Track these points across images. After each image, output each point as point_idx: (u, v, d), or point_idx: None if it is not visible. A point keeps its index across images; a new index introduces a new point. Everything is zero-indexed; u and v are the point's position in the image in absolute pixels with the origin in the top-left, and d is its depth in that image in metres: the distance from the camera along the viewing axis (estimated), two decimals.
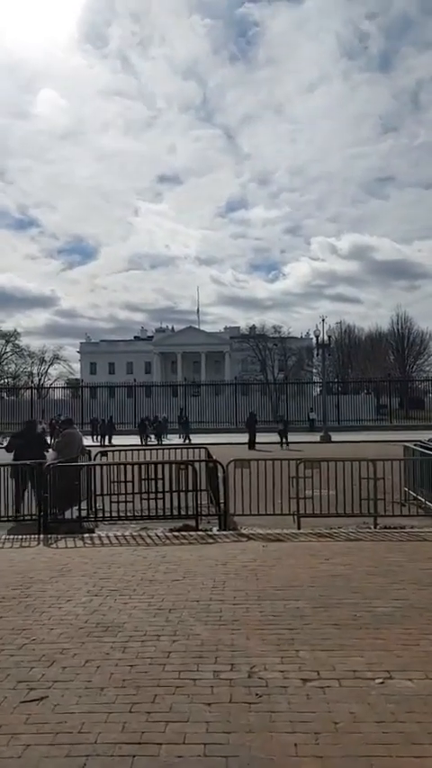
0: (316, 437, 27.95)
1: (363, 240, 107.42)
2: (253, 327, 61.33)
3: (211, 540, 7.23)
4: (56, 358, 66.84)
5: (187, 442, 27.30)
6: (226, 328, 77.87)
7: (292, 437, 25.39)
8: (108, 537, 7.61)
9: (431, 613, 4.33)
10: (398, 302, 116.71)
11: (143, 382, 52.88)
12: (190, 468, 8.45)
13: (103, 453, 10.58)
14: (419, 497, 9.06)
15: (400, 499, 9.40)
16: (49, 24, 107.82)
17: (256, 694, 3.11)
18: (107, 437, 29.28)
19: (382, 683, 3.18)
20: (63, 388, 54.19)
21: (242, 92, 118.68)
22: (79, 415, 39.65)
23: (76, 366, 75.38)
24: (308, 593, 4.92)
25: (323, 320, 30.21)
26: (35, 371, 64.79)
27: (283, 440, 24.58)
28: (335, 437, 27.57)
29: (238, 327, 70.98)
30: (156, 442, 28.19)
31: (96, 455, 10.50)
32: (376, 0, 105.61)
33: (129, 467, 9.14)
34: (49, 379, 63.08)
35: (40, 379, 63.85)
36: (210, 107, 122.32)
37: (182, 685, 3.26)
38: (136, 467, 9.15)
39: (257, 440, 24.34)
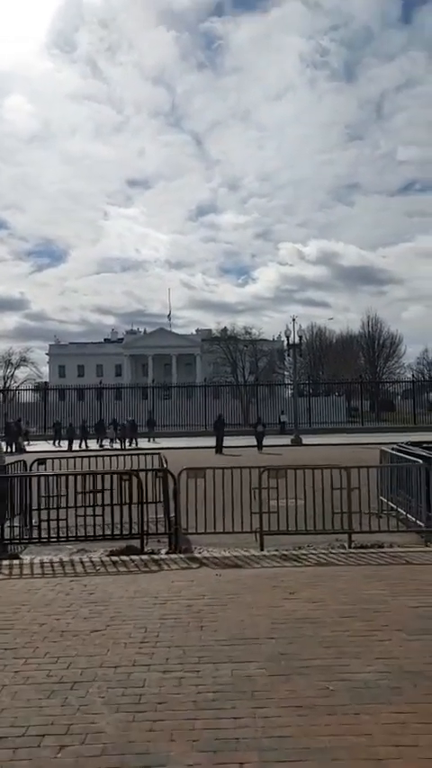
0: (287, 440, 26.96)
1: (329, 246, 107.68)
2: (224, 329, 60.23)
3: (155, 568, 5.97)
4: (23, 360, 64.17)
5: (132, 446, 25.90)
6: (197, 331, 76.62)
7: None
8: (32, 564, 6.27)
9: (430, 683, 3.19)
10: (366, 307, 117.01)
11: (111, 384, 51.10)
12: (134, 478, 7.18)
13: (41, 462, 9.20)
14: (399, 509, 8.01)
15: (377, 510, 8.36)
16: (17, 29, 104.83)
17: None
18: (80, 442, 27.57)
19: None
20: (28, 390, 51.87)
21: (210, 98, 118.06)
22: (41, 418, 37.83)
23: (45, 369, 72.82)
24: (265, 649, 3.72)
25: (294, 320, 29.31)
26: (0, 374, 62.00)
27: (260, 443, 23.45)
28: (306, 440, 26.64)
29: (210, 330, 69.83)
30: (119, 447, 26.71)
31: (33, 464, 9.11)
32: (338, 13, 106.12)
33: (68, 477, 7.83)
34: (15, 382, 60.47)
35: (5, 382, 61.14)
36: (179, 113, 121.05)
37: None
38: (77, 477, 7.85)
39: (227, 443, 23.19)
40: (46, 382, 61.17)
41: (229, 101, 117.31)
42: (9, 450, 25.38)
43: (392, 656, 3.53)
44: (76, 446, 26.48)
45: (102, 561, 6.34)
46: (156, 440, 29.82)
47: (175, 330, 76.82)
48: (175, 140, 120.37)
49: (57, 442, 29.04)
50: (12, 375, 61.58)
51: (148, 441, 29.24)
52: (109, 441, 28.97)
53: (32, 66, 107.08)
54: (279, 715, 2.88)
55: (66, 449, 25.03)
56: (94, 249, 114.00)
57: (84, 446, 26.77)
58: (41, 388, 49.93)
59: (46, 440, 30.64)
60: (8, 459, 9.87)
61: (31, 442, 28.07)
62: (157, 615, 4.44)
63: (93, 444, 27.51)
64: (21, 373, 61.63)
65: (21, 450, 24.78)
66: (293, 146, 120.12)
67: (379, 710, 2.90)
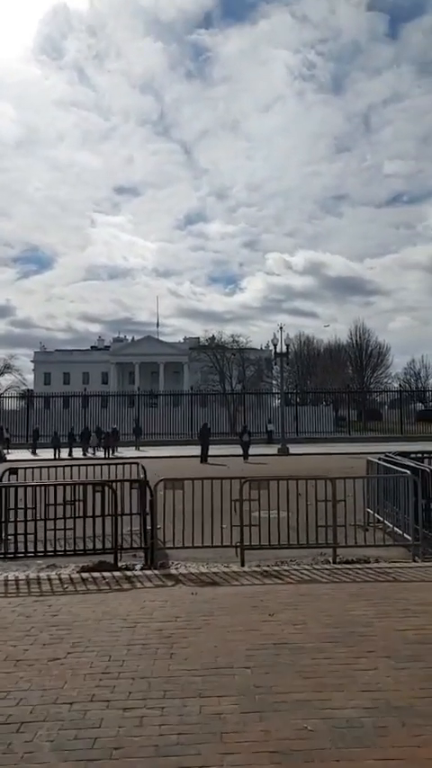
0: (274, 449, 26.67)
1: (316, 257, 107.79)
2: (212, 338, 60.00)
3: (127, 586, 5.60)
4: (7, 367, 63.24)
5: (112, 455, 25.41)
6: (185, 339, 76.34)
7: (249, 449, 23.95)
8: None
9: (421, 720, 2.86)
10: (354, 317, 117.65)
11: (97, 392, 50.48)
12: (108, 490, 6.81)
13: (13, 471, 8.76)
14: (386, 521, 7.72)
15: (363, 522, 8.06)
16: (3, 34, 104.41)
17: None
18: (68, 450, 27.03)
19: None
20: (12, 397, 51.01)
21: (199, 108, 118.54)
22: (26, 426, 37.06)
23: (30, 377, 71.82)
24: (239, 680, 3.38)
25: (281, 328, 29.11)
26: None
27: (246, 453, 23.08)
28: (293, 449, 26.36)
29: (198, 338, 69.65)
30: (104, 455, 26.19)
31: (4, 473, 8.68)
32: (326, 27, 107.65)
33: (39, 488, 7.43)
34: None
35: None
36: (167, 121, 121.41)
37: None
38: (49, 488, 7.45)
39: (213, 452, 22.81)
40: (30, 390, 60.45)
41: (218, 110, 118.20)
42: None
43: (378, 689, 3.21)
44: (62, 454, 25.95)
45: (71, 578, 5.94)
46: (142, 448, 29.41)
47: (162, 338, 76.50)
48: (164, 149, 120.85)
49: (35, 450, 28.45)
50: None
51: (136, 449, 28.84)
52: (92, 449, 28.45)
53: (19, 72, 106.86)
54: (250, 763, 2.54)
55: (44, 457, 24.47)
56: (81, 256, 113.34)
57: (69, 454, 26.27)
58: (26, 396, 49.25)
59: (28, 448, 30.02)
60: None
61: (11, 451, 27.44)
62: (124, 641, 4.08)
63: (79, 453, 27.00)
64: (5, 380, 60.65)
65: (1, 458, 24.18)
66: (282, 156, 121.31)
67: (362, 756, 2.57)
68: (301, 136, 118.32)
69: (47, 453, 26.13)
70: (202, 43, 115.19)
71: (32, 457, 25.70)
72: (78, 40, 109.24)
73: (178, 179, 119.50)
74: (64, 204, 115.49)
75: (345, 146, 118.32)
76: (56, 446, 26.37)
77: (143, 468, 9.41)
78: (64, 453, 26.35)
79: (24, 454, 26.62)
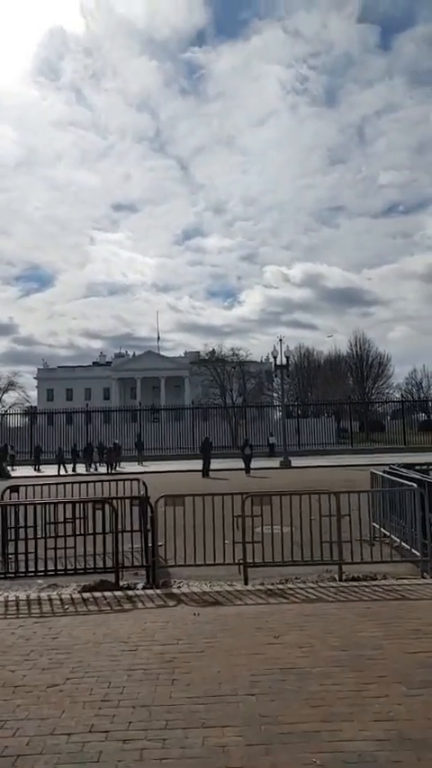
0: (276, 462, 26.48)
1: (314, 268, 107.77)
2: (212, 352, 60.02)
3: (128, 606, 5.46)
4: (10, 385, 63.30)
5: (112, 471, 25.23)
6: (186, 353, 76.41)
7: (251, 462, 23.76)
8: None
9: None
10: (353, 328, 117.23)
11: (99, 407, 50.43)
12: (108, 507, 6.69)
13: (14, 489, 8.66)
14: (393, 536, 7.56)
15: (369, 537, 7.90)
16: (1, 58, 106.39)
17: None
18: (72, 466, 26.97)
19: None
20: (16, 414, 50.91)
21: (194, 124, 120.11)
22: (29, 443, 36.80)
23: (33, 394, 71.90)
24: (243, 709, 3.24)
25: (281, 341, 29.06)
26: None
27: (248, 466, 22.87)
28: (295, 462, 26.17)
29: (198, 352, 69.69)
30: (106, 471, 26.04)
31: (5, 491, 8.57)
32: (318, 40, 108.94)
33: (39, 506, 7.32)
34: (3, 407, 59.54)
35: None
36: (163, 138, 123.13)
37: None
38: (50, 506, 7.34)
39: (214, 466, 22.64)
40: (34, 406, 60.41)
41: (213, 126, 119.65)
42: None
43: (391, 718, 3.07)
44: (67, 470, 25.83)
45: (72, 599, 5.81)
46: (144, 463, 29.26)
47: (163, 353, 76.60)
48: (160, 165, 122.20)
49: (37, 466, 28.31)
50: None
51: (138, 464, 28.68)
52: (94, 465, 28.32)
53: (18, 95, 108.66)
54: None
55: (47, 473, 24.34)
56: (82, 273, 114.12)
57: (73, 470, 26.16)
58: (30, 413, 49.20)
59: (32, 464, 29.90)
60: None
61: (16, 468, 27.33)
62: (125, 665, 3.94)
63: (82, 468, 26.87)
64: (9, 398, 60.75)
65: (6, 475, 24.04)
66: (277, 170, 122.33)
67: None
68: (296, 149, 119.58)
69: (50, 469, 26.02)
70: (195, 61, 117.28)
71: (36, 473, 25.57)
72: (75, 60, 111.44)
73: (175, 195, 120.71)
74: (63, 223, 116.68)
75: (339, 157, 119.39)
76: (60, 462, 26.29)
77: (144, 484, 9.28)
78: (68, 469, 26.26)
79: (28, 471, 26.52)
